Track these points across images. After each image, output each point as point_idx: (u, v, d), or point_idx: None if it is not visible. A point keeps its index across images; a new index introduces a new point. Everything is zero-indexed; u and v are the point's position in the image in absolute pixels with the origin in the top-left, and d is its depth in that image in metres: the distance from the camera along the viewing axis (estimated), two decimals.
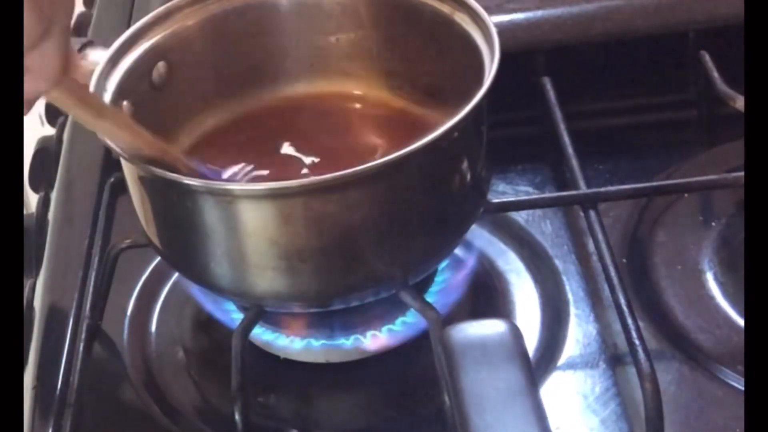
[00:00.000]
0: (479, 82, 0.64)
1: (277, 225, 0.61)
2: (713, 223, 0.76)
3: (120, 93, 0.68)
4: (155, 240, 0.67)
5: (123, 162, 0.65)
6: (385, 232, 0.63)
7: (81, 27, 1.02)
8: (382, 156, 0.60)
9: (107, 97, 0.67)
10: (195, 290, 0.73)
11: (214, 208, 0.62)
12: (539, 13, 0.83)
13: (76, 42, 0.70)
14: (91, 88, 0.67)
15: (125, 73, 0.69)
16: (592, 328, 0.71)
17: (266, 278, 0.63)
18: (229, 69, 0.75)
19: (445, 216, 0.65)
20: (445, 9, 0.70)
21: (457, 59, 0.69)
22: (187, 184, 0.61)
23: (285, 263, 0.62)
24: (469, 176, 0.65)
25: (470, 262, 0.74)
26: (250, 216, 0.61)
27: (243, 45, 0.75)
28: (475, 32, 0.68)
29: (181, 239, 0.65)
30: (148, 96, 0.70)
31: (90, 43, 0.70)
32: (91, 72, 0.68)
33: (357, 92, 0.76)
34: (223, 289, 0.66)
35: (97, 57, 0.69)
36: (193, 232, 0.63)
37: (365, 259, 0.63)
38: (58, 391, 0.69)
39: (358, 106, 0.76)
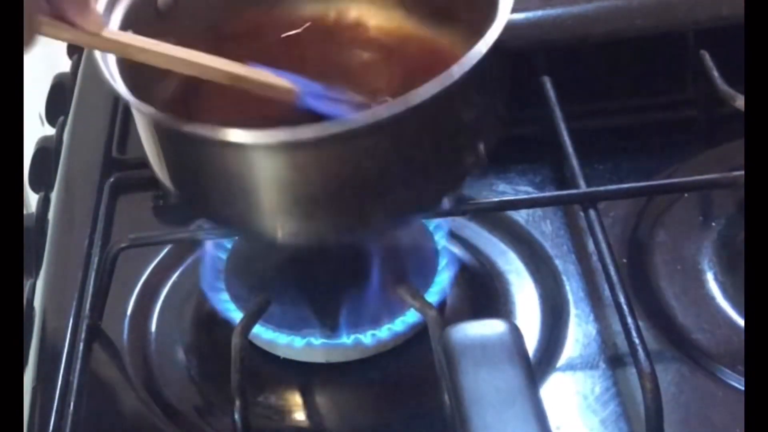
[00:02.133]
0: (494, 8, 0.63)
1: (288, 173, 0.61)
2: (713, 223, 0.76)
3: (126, 22, 0.67)
4: (167, 182, 0.66)
5: (135, 110, 0.64)
6: (399, 173, 0.62)
7: None
8: (391, 88, 0.59)
9: (114, 26, 0.66)
10: (204, 284, 0.73)
11: (224, 158, 0.61)
12: (539, 13, 0.83)
13: None
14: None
15: (131, 1, 0.68)
16: (592, 328, 0.71)
17: (278, 221, 0.63)
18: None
19: (454, 156, 0.64)
20: None
21: None
22: (196, 134, 0.60)
23: (297, 208, 0.62)
24: (478, 112, 0.64)
25: (464, 256, 0.74)
26: (260, 165, 0.61)
27: None
28: None
29: (193, 182, 0.64)
30: (152, 25, 0.69)
31: None
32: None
33: (367, 12, 0.75)
34: (236, 229, 0.66)
35: None
36: (205, 177, 0.63)
37: (379, 199, 0.63)
38: (58, 391, 0.69)
39: (367, 26, 0.74)
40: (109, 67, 0.64)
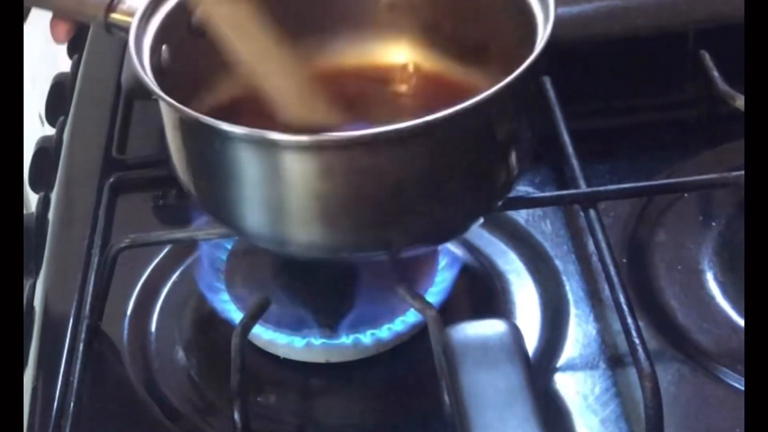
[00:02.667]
0: (529, 45, 0.63)
1: (319, 177, 0.60)
2: (713, 223, 0.76)
3: (159, 38, 0.67)
4: (191, 187, 0.66)
5: (161, 104, 0.64)
6: (430, 187, 0.62)
7: None
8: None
9: (147, 42, 0.66)
10: (202, 285, 0.73)
11: (255, 158, 0.61)
12: None
13: None
14: (132, 32, 0.66)
15: (165, 17, 0.68)
16: (592, 328, 0.71)
17: (304, 230, 0.63)
18: (270, 20, 0.73)
19: (489, 174, 0.64)
20: None
21: (507, 20, 0.68)
22: (230, 131, 0.60)
23: (326, 216, 0.62)
24: (514, 138, 0.64)
25: (464, 255, 0.74)
26: (292, 167, 0.61)
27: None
28: None
29: (220, 187, 0.64)
30: (187, 42, 0.69)
31: None
32: (130, 14, 0.68)
33: (401, 50, 0.75)
34: (259, 238, 0.66)
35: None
36: (232, 181, 0.63)
37: (408, 215, 0.62)
38: (58, 391, 0.69)
39: (402, 65, 0.75)
40: (146, 69, 0.64)
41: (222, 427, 0.67)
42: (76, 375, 0.69)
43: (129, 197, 0.82)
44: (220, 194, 0.65)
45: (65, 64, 1.00)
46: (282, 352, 0.71)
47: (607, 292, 0.70)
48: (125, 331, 0.74)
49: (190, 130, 0.64)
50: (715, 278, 0.73)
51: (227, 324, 0.70)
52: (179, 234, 0.77)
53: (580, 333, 0.71)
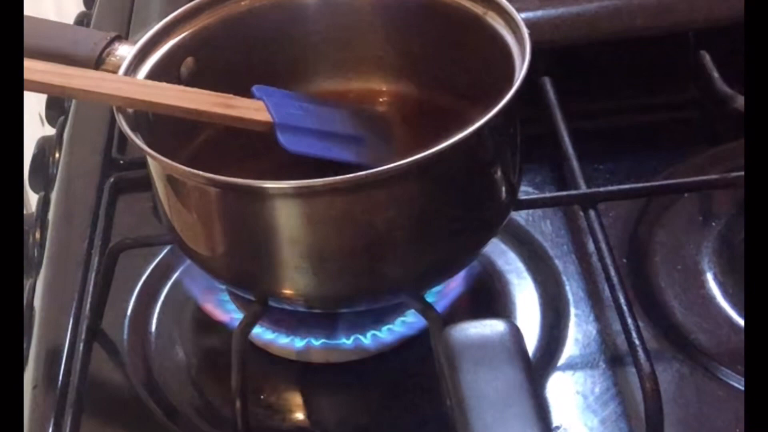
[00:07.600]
0: (511, 82, 0.63)
1: (300, 224, 0.61)
2: (713, 223, 0.76)
3: None
4: (177, 234, 0.67)
5: (149, 158, 0.64)
6: (412, 233, 0.62)
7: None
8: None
9: None
10: (196, 291, 0.73)
11: (236, 205, 0.62)
12: (539, 13, 0.83)
13: (103, 36, 0.70)
14: None
15: (152, 68, 0.69)
16: (592, 328, 0.71)
17: (286, 277, 0.63)
18: (257, 66, 0.73)
19: (472, 218, 0.65)
20: (477, 9, 0.69)
21: (488, 59, 0.69)
22: (209, 179, 0.61)
23: (307, 262, 0.62)
24: (498, 178, 0.65)
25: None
26: (274, 214, 0.61)
27: (271, 43, 0.74)
28: (507, 33, 0.67)
29: (203, 235, 0.65)
30: None
31: (118, 38, 0.70)
32: (119, 66, 0.68)
33: (386, 93, 0.76)
34: (240, 284, 0.66)
35: (125, 52, 0.69)
36: (214, 228, 0.63)
37: (391, 262, 0.63)
38: (58, 391, 0.69)
39: (387, 107, 0.75)
40: (124, 121, 0.65)
41: (222, 427, 0.67)
42: (76, 375, 0.69)
43: (129, 197, 0.82)
44: (206, 242, 0.65)
45: None
46: (282, 352, 0.71)
47: (607, 292, 0.70)
48: (125, 331, 0.74)
49: (173, 179, 0.64)
50: (715, 278, 0.73)
51: (227, 324, 0.71)
52: None
53: (580, 333, 0.71)
